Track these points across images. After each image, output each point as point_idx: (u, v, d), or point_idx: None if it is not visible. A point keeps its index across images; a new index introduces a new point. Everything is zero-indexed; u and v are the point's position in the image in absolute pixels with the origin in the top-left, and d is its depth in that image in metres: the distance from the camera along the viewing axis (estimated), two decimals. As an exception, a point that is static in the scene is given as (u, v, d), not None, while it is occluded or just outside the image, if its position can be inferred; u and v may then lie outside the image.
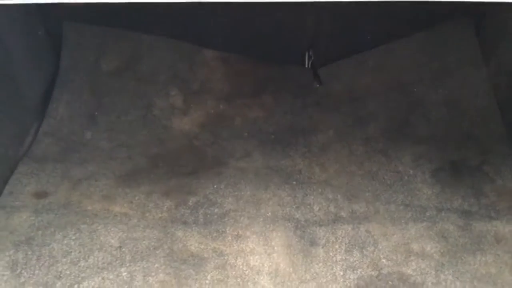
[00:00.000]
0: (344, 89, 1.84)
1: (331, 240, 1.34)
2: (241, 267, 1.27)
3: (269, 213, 1.42)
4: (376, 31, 1.81)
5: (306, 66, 1.90)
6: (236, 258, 1.29)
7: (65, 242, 1.30)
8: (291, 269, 1.27)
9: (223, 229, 1.37)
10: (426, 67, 1.78)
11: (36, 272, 1.23)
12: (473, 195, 1.45)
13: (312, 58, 1.88)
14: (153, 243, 1.32)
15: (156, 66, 1.82)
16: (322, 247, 1.32)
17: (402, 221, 1.38)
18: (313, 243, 1.34)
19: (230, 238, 1.34)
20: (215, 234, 1.35)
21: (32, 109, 1.68)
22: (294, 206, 1.44)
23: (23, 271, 1.23)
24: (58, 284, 1.21)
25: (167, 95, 1.80)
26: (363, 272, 1.26)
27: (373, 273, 1.25)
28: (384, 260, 1.28)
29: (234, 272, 1.26)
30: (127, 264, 1.26)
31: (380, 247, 1.31)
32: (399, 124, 1.70)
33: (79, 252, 1.28)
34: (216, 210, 1.43)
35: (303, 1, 1.61)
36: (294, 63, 1.90)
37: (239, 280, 1.24)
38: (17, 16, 1.61)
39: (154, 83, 1.80)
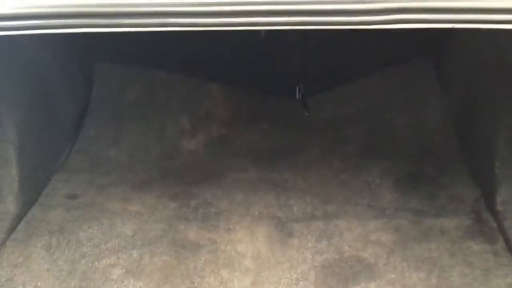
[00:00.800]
0: (328, 116, 2.17)
1: (305, 233, 1.62)
2: (229, 252, 1.57)
3: (256, 213, 1.72)
4: (354, 67, 2.16)
5: (297, 97, 2.24)
6: (226, 245, 1.59)
7: (90, 231, 1.63)
8: (270, 254, 1.56)
9: (217, 224, 1.67)
10: (395, 97, 2.10)
11: (66, 252, 1.55)
12: (427, 198, 1.72)
13: (302, 90, 2.21)
14: (159, 233, 1.63)
15: (169, 97, 2.20)
16: (297, 238, 1.60)
17: (365, 218, 1.66)
18: (290, 235, 1.62)
19: (222, 230, 1.64)
20: (210, 228, 1.65)
21: (67, 132, 2.05)
22: (277, 207, 1.74)
23: (55, 251, 1.55)
24: (83, 261, 1.52)
25: (177, 121, 2.16)
26: (328, 256, 1.53)
27: (336, 256, 1.53)
28: (346, 247, 1.56)
29: (223, 256, 1.55)
30: (138, 248, 1.57)
31: (344, 238, 1.59)
32: (372, 143, 2.01)
33: (100, 238, 1.60)
34: (212, 210, 1.74)
35: (293, 42, 1.98)
36: (286, 95, 2.24)
37: (227, 261, 1.53)
38: (57, 56, 2.00)
39: (167, 111, 2.16)
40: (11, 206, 1.65)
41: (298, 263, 1.51)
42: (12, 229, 1.62)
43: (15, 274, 1.46)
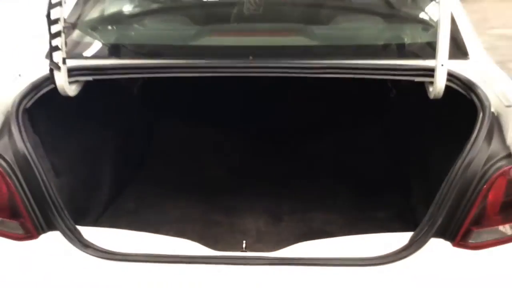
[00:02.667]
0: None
1: (292, 219, 2.36)
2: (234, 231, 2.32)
3: (261, 209, 2.42)
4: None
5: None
6: (232, 225, 2.31)
7: (151, 216, 2.36)
8: (264, 229, 2.37)
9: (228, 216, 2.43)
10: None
11: (135, 225, 2.32)
12: (379, 209, 2.39)
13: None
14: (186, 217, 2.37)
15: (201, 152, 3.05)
16: (285, 222, 2.36)
17: (334, 214, 2.37)
18: (280, 220, 2.41)
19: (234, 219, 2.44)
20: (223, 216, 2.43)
21: (130, 172, 2.76)
22: (275, 209, 2.39)
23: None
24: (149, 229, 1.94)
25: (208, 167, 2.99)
26: (303, 229, 2.29)
27: (306, 230, 2.32)
28: (315, 225, 2.32)
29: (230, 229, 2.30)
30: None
31: (316, 220, 2.35)
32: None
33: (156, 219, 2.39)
34: (228, 205, 2.41)
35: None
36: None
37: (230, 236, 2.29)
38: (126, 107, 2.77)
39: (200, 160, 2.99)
40: None
41: (283, 233, 2.29)
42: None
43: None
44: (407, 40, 2.09)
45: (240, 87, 2.39)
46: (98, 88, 1.84)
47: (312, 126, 2.80)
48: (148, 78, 2.42)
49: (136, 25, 2.28)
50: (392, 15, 2.32)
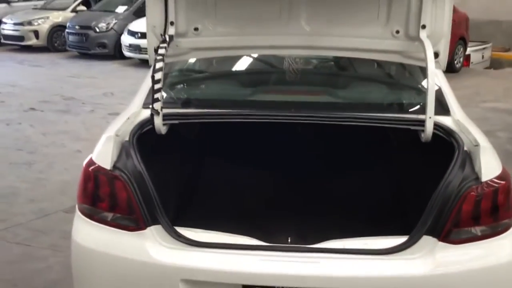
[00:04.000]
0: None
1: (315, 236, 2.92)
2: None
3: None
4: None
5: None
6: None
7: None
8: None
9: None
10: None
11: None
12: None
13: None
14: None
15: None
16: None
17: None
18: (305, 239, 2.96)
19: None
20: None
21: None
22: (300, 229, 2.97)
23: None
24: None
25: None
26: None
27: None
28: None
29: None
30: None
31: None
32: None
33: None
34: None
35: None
36: None
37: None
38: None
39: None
40: None
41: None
42: None
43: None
44: (405, 101, 2.79)
45: (277, 137, 3.07)
46: (172, 132, 2.51)
47: (332, 169, 3.39)
48: (202, 128, 3.10)
49: (206, 86, 3.01)
50: (394, 83, 3.06)
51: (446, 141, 2.27)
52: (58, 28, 14.09)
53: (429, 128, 2.27)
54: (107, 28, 12.85)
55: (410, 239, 2.06)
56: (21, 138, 6.50)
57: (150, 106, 2.34)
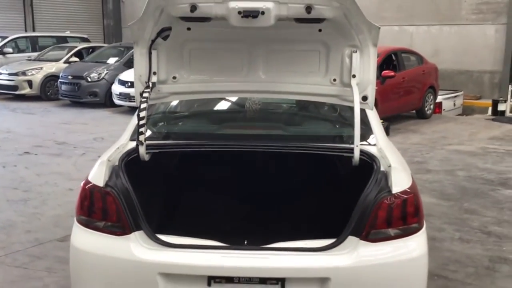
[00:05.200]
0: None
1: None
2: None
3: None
4: None
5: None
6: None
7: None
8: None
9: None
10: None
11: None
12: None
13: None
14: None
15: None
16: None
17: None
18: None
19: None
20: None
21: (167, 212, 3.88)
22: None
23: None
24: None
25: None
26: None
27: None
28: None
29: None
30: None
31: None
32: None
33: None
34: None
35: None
36: None
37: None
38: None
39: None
40: None
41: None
42: None
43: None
44: (342, 134, 3.42)
45: (240, 165, 3.67)
46: (153, 161, 3.09)
47: (284, 189, 3.95)
48: (181, 159, 3.71)
49: (182, 123, 3.63)
50: (334, 120, 3.72)
51: (369, 163, 2.87)
52: (51, 78, 14.80)
53: (356, 154, 2.88)
54: (98, 78, 13.55)
55: (339, 239, 2.63)
56: (17, 178, 7.01)
57: (136, 138, 2.93)
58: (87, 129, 10.70)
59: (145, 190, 2.90)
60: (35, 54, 16.52)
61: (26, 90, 14.75)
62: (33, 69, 14.90)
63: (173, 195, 3.86)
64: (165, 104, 3.63)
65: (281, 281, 2.58)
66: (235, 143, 3.11)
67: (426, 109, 12.00)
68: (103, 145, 9.05)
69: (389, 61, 11.05)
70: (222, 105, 3.88)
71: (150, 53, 3.04)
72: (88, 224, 2.72)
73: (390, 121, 10.46)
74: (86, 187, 2.76)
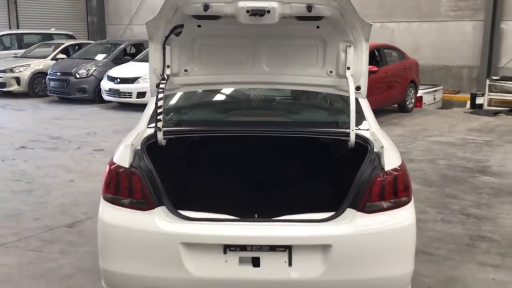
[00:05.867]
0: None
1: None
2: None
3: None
4: None
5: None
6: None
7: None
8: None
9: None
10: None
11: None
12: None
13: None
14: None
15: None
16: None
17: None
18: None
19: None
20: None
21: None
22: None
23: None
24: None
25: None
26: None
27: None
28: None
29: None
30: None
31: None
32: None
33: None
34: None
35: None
36: None
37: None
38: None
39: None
40: None
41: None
42: None
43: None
44: (339, 120, 3.72)
45: (247, 148, 4.01)
46: (169, 145, 3.42)
47: (289, 170, 4.28)
48: (193, 143, 4.05)
49: (193, 112, 3.97)
50: (332, 109, 4.07)
51: (364, 146, 3.23)
52: (38, 75, 14.95)
53: (352, 137, 3.25)
54: (87, 74, 13.74)
55: (338, 211, 2.99)
56: (18, 171, 7.24)
57: (154, 125, 3.26)
58: (79, 124, 10.93)
59: (163, 171, 3.22)
60: (22, 51, 16.61)
61: (14, 87, 14.87)
62: (20, 66, 15.03)
63: (186, 176, 4.18)
64: (176, 97, 3.96)
65: (288, 248, 2.93)
66: (242, 128, 3.46)
67: (407, 103, 12.45)
68: (96, 139, 9.33)
69: (372, 57, 11.45)
70: (229, 96, 4.22)
71: (164, 48, 3.36)
72: (114, 201, 3.03)
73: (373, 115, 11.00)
74: (112, 167, 3.07)
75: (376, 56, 11.54)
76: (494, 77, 14.17)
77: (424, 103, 14.08)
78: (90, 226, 5.04)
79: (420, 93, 13.53)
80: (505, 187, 6.53)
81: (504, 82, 13.78)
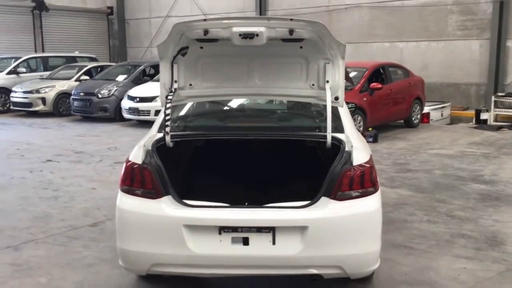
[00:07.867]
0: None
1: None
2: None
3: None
4: None
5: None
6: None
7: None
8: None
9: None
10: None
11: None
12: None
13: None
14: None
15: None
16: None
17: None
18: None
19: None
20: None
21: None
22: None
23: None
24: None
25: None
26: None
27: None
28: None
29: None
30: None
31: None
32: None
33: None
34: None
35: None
36: None
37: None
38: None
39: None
40: None
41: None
42: None
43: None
44: (320, 126, 4.31)
45: (241, 149, 4.64)
46: (175, 147, 4.07)
47: (277, 168, 4.89)
48: (196, 146, 4.69)
49: (197, 120, 4.65)
50: (314, 116, 4.69)
51: (338, 146, 3.84)
52: (63, 95, 15.81)
53: (328, 139, 3.86)
54: (108, 94, 14.53)
55: (314, 199, 3.58)
56: (45, 181, 7.94)
57: (163, 130, 3.91)
58: (100, 140, 11.66)
59: (170, 168, 3.85)
60: (47, 73, 17.53)
61: (40, 107, 15.73)
62: (46, 87, 15.90)
63: (189, 172, 4.82)
64: (182, 108, 4.63)
65: (272, 229, 3.52)
66: (238, 132, 4.12)
67: (413, 118, 12.95)
68: (116, 153, 10.03)
69: (378, 75, 12.03)
70: (227, 106, 4.90)
71: (172, 66, 4.02)
72: (129, 191, 3.67)
73: (379, 130, 11.55)
74: (128, 164, 3.72)
75: (382, 74, 12.09)
76: (500, 94, 14.61)
77: (432, 119, 14.52)
78: (110, 225, 5.67)
79: (427, 109, 13.99)
80: (492, 193, 7.01)
81: (509, 98, 14.24)
